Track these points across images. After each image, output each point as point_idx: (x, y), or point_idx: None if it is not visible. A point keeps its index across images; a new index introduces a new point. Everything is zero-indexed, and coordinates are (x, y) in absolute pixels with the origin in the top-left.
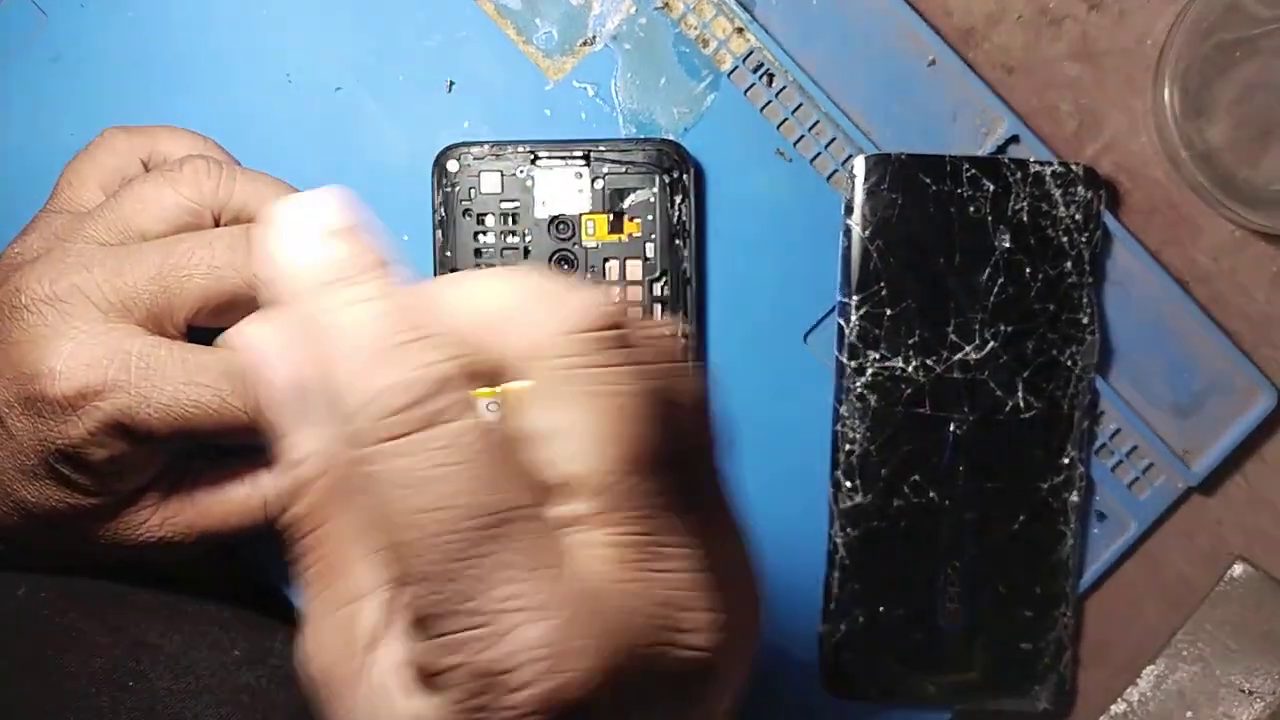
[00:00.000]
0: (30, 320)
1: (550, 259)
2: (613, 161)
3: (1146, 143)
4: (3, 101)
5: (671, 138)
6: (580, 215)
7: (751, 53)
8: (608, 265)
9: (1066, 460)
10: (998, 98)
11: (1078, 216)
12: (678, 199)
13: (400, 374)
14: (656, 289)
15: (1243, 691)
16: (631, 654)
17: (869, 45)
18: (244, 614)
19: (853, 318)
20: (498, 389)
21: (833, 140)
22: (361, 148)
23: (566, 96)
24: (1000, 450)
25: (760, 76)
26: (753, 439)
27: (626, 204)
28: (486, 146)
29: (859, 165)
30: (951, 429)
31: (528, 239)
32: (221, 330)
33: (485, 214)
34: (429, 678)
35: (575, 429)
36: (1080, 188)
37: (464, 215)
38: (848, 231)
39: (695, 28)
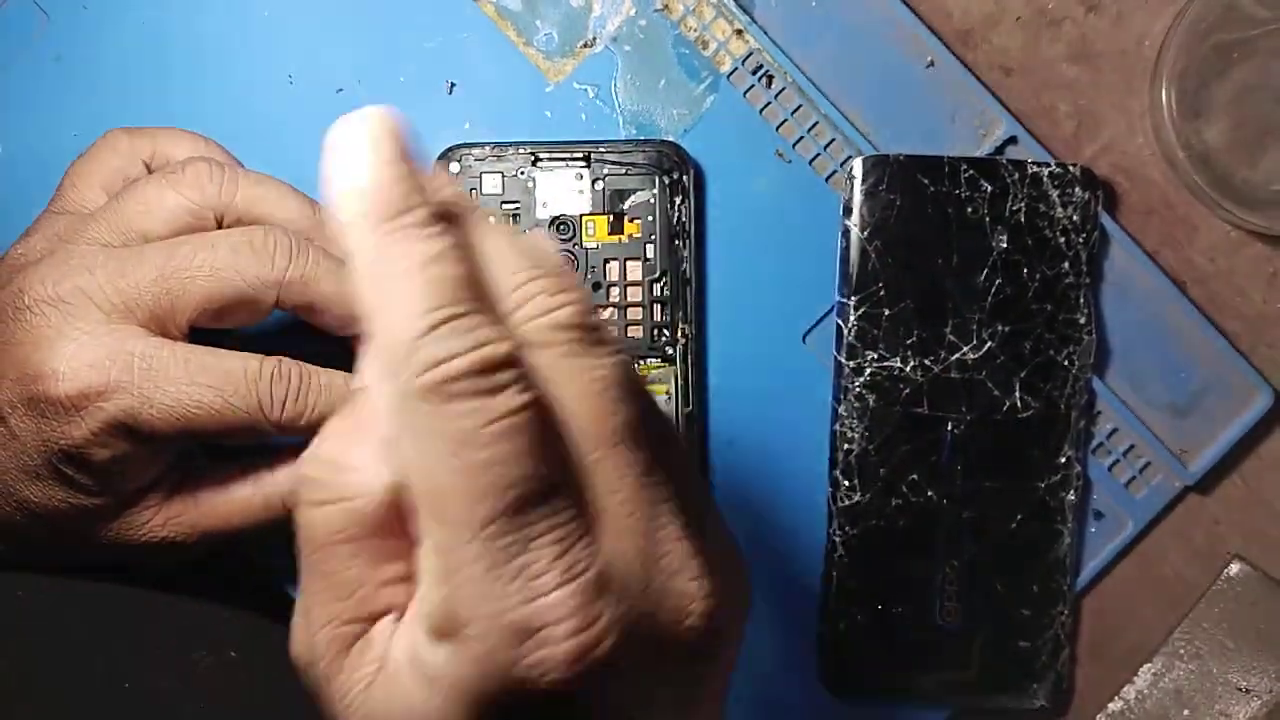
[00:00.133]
0: (33, 321)
1: None
2: (613, 163)
3: (1144, 144)
4: (5, 102)
5: (671, 139)
6: (581, 216)
7: (751, 54)
8: (608, 266)
9: (1064, 460)
10: (996, 99)
11: (1075, 217)
12: (677, 200)
13: (465, 344)
14: (656, 289)
15: (1240, 690)
16: (648, 619)
17: (868, 47)
18: (242, 614)
19: (851, 318)
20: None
21: (831, 141)
22: None
23: (567, 98)
24: (998, 450)
25: (759, 78)
26: (752, 439)
27: (627, 205)
28: (487, 148)
29: (858, 166)
30: (949, 429)
31: None
32: (224, 332)
33: (486, 215)
34: (454, 630)
35: (567, 405)
36: (1078, 188)
37: None
38: (846, 232)
39: (695, 29)
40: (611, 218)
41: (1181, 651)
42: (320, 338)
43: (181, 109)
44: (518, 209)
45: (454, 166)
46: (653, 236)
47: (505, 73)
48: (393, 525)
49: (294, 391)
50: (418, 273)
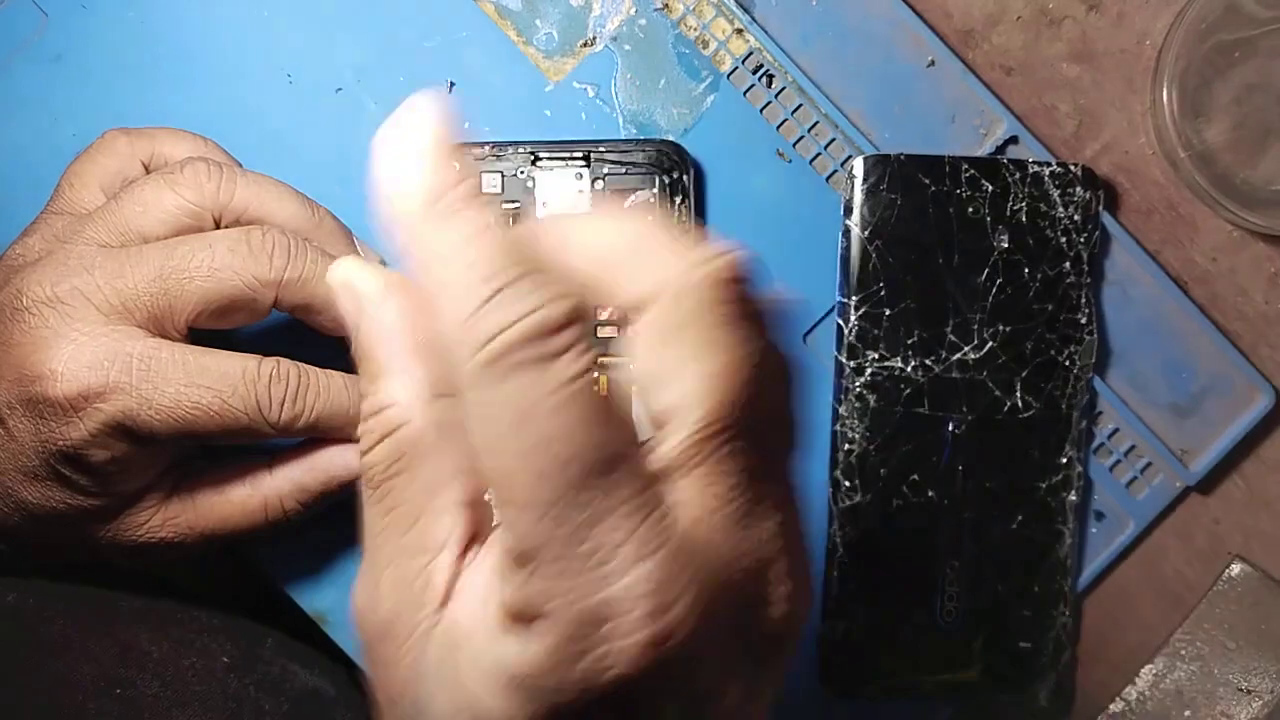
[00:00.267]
0: (32, 322)
1: None
2: (613, 162)
3: (1145, 143)
4: (4, 102)
5: (671, 138)
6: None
7: (751, 54)
8: None
9: (1065, 460)
10: (997, 98)
11: (1076, 217)
12: (678, 199)
13: (520, 309)
14: None
15: (1240, 690)
16: (728, 609)
17: (868, 46)
18: (234, 620)
19: (852, 318)
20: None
21: (832, 141)
22: (362, 148)
23: (567, 97)
24: (999, 450)
25: (760, 77)
26: None
27: (627, 204)
28: (487, 147)
29: (858, 166)
30: (950, 429)
31: None
32: (223, 332)
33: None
34: (526, 620)
35: (689, 371)
36: (1079, 188)
37: None
38: (847, 232)
39: (695, 29)
40: None
41: (1183, 652)
42: (318, 338)
43: (180, 108)
44: (517, 209)
45: (454, 166)
46: None
47: (505, 72)
48: (444, 444)
49: (292, 392)
50: (465, 247)
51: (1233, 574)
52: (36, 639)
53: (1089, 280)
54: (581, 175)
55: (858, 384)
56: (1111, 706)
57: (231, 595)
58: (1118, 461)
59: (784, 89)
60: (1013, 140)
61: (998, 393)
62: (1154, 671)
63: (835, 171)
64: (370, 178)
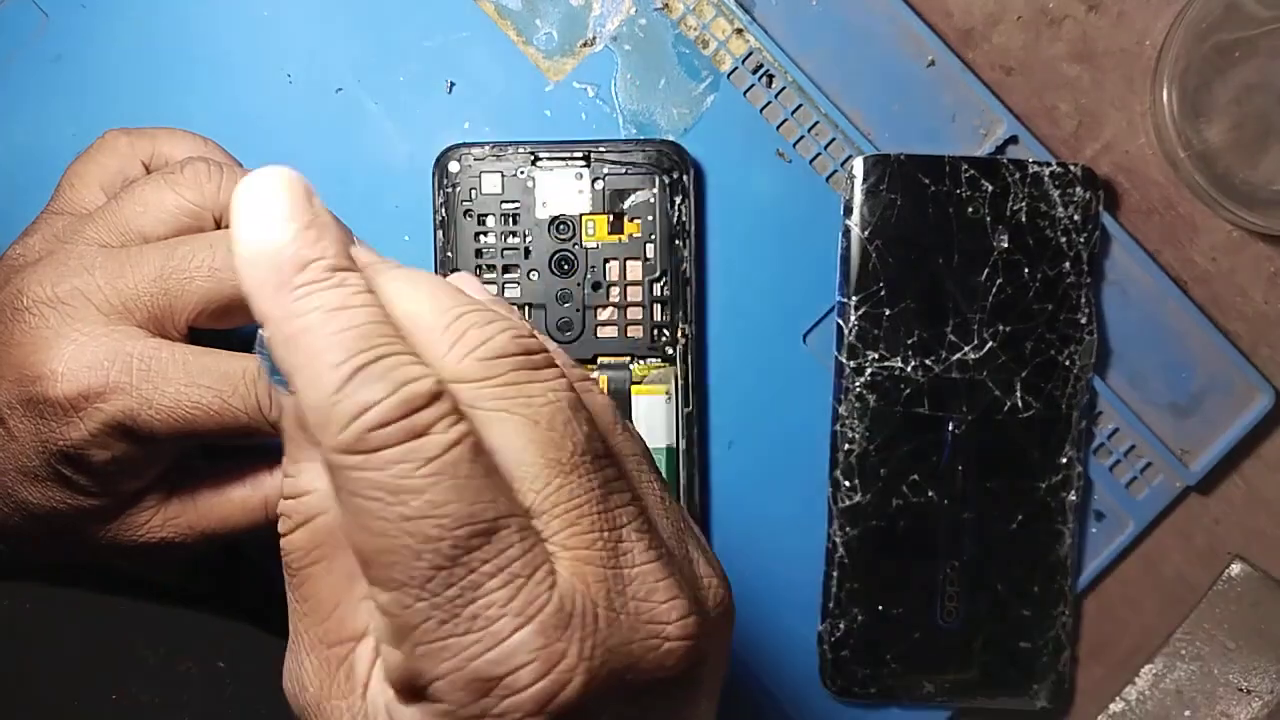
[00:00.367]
0: (32, 322)
1: (550, 259)
2: (613, 162)
3: (1145, 143)
4: (4, 101)
5: (671, 138)
6: (580, 216)
7: (751, 54)
8: (608, 266)
9: (1065, 460)
10: (997, 98)
11: (1076, 217)
12: (677, 199)
13: (384, 387)
14: (656, 289)
15: (1240, 690)
16: (619, 650)
17: (869, 46)
18: (231, 624)
19: (852, 318)
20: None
21: (832, 141)
22: (362, 148)
23: (567, 97)
24: (999, 450)
25: (760, 77)
26: (752, 439)
27: (627, 204)
28: (487, 147)
29: (858, 166)
30: (950, 429)
31: (528, 239)
32: (223, 333)
33: (486, 215)
34: (417, 690)
35: (507, 442)
36: (1079, 188)
37: (465, 216)
38: (847, 232)
39: (695, 29)
40: (611, 217)
41: (1182, 652)
42: None
43: (180, 108)
44: (517, 209)
45: (454, 166)
46: (653, 236)
47: (505, 72)
48: None
49: None
50: (324, 325)
51: (1232, 574)
52: (30, 645)
53: (1089, 280)
54: (581, 175)
55: (858, 384)
56: (1111, 706)
57: (225, 601)
58: (1118, 461)
59: (784, 89)
60: (1013, 140)
61: (998, 393)
62: (1154, 671)
63: (835, 171)
64: (230, 240)
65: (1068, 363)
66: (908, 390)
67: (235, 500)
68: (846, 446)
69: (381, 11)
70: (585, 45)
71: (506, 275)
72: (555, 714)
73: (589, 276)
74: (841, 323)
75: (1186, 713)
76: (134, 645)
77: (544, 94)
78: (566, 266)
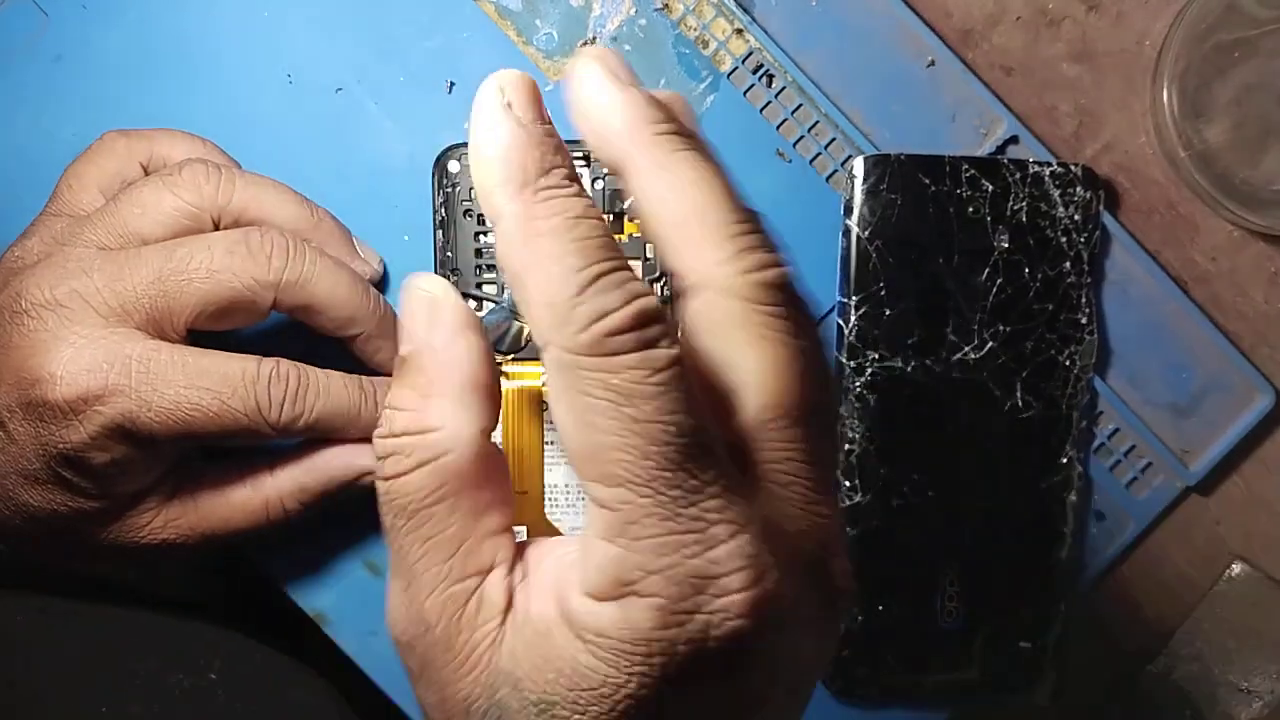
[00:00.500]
0: (30, 325)
1: None
2: None
3: (1145, 143)
4: (4, 102)
5: None
6: None
7: (751, 54)
8: None
9: (1065, 460)
10: (997, 98)
11: (1076, 217)
12: None
13: (621, 296)
14: (657, 289)
15: (1241, 690)
16: (807, 572)
17: (869, 46)
18: (222, 634)
19: (852, 318)
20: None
21: (832, 141)
22: (362, 148)
23: None
24: (999, 450)
25: (760, 77)
26: None
27: (627, 204)
28: None
29: (858, 166)
30: (951, 429)
31: None
32: (222, 334)
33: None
34: (622, 589)
35: (747, 358)
36: (1079, 188)
37: (465, 215)
38: (847, 232)
39: (695, 29)
40: (611, 217)
41: (1183, 652)
42: (318, 339)
43: (180, 108)
44: None
45: (454, 165)
46: None
47: None
48: (484, 476)
49: (292, 393)
50: (566, 231)
51: (1233, 574)
52: (21, 658)
53: (1089, 280)
54: (581, 175)
55: (858, 384)
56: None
57: (222, 605)
58: (1118, 462)
59: (784, 89)
60: (1013, 140)
61: (998, 393)
62: (1154, 672)
63: (835, 171)
64: (470, 139)
65: (1068, 363)
66: (908, 390)
67: (236, 502)
68: (847, 446)
69: (381, 11)
70: (585, 45)
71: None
72: (760, 619)
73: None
74: (842, 323)
75: (1187, 712)
76: (125, 657)
77: (544, 94)
78: None
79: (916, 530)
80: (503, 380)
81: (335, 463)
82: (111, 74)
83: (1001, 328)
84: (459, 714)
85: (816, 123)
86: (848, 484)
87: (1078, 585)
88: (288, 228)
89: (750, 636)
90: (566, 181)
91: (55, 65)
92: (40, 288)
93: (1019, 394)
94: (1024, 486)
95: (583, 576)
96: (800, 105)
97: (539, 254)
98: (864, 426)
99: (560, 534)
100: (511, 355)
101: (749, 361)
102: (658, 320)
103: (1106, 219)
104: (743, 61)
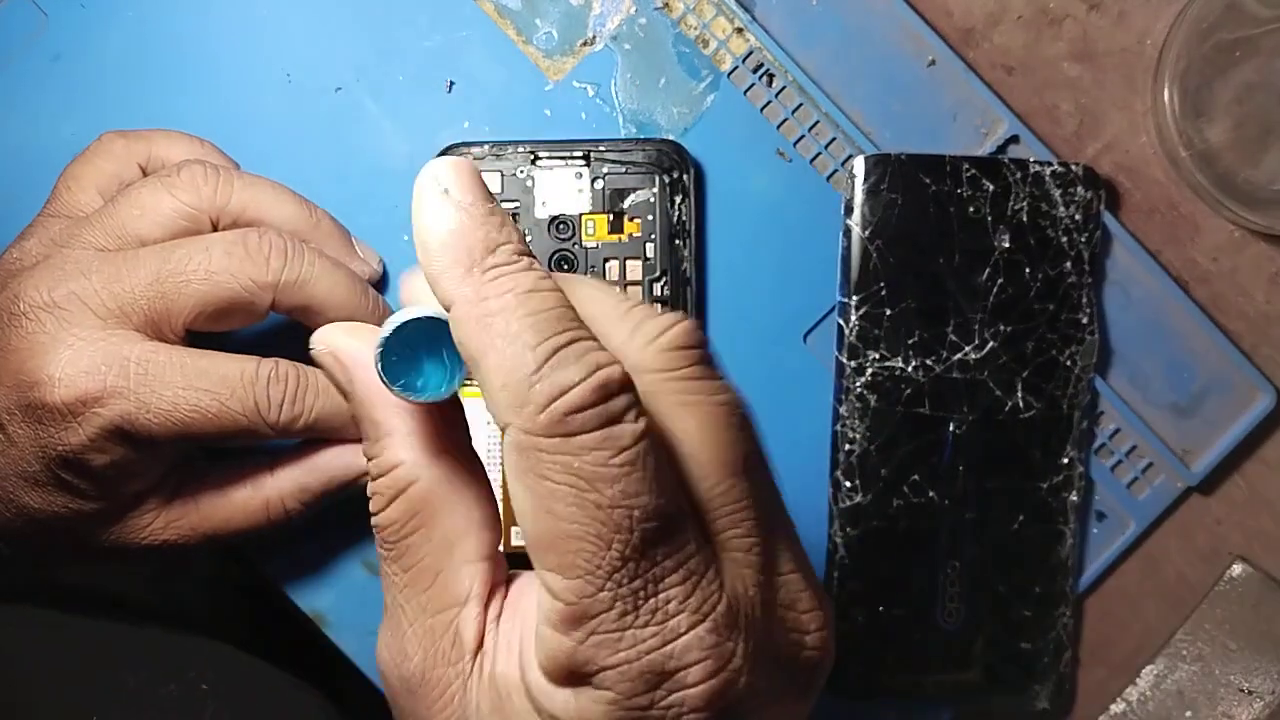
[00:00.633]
0: (29, 328)
1: (550, 259)
2: (613, 161)
3: (1146, 143)
4: (3, 101)
5: (671, 138)
6: (580, 215)
7: (751, 53)
8: (608, 265)
9: (1066, 460)
10: (997, 98)
11: (1077, 216)
12: (678, 199)
13: (581, 370)
14: (656, 289)
15: (1242, 691)
16: (771, 653)
17: (869, 45)
18: (212, 645)
19: (852, 318)
20: None
21: (832, 140)
22: (361, 148)
23: (566, 97)
24: (1000, 450)
25: (760, 76)
26: None
27: (626, 204)
28: (486, 147)
29: (859, 165)
30: (951, 429)
31: (528, 239)
32: (220, 335)
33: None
34: (580, 676)
35: (686, 436)
36: (1080, 188)
37: None
38: (847, 231)
39: (695, 28)
40: (611, 217)
41: (1184, 653)
42: None
43: (180, 107)
44: (517, 208)
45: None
46: (653, 236)
47: (505, 71)
48: (455, 498)
49: (291, 393)
50: (518, 308)
51: (1234, 574)
52: (12, 669)
53: (1090, 280)
54: (581, 175)
55: (858, 384)
56: (1113, 707)
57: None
58: (1119, 462)
59: (784, 88)
60: (1014, 140)
61: (999, 393)
62: (1155, 672)
63: (836, 171)
64: (414, 227)
65: (1069, 363)
66: (909, 390)
67: (236, 502)
68: (847, 447)
69: (381, 11)
70: (585, 44)
71: None
72: (720, 709)
73: (589, 276)
74: (842, 323)
75: (1188, 713)
76: (115, 668)
77: (544, 93)
78: (566, 266)
79: (917, 531)
80: None
81: (335, 463)
82: (110, 73)
83: (1002, 328)
84: None
85: (817, 122)
86: (848, 484)
87: (1078, 585)
88: (286, 228)
89: None
90: (515, 256)
91: (54, 65)
92: (38, 290)
93: (1020, 394)
94: (1024, 486)
95: (537, 655)
96: (801, 105)
97: (492, 334)
98: (864, 427)
99: None
100: None
101: (680, 431)
102: (622, 390)
103: (1107, 219)
104: (743, 61)
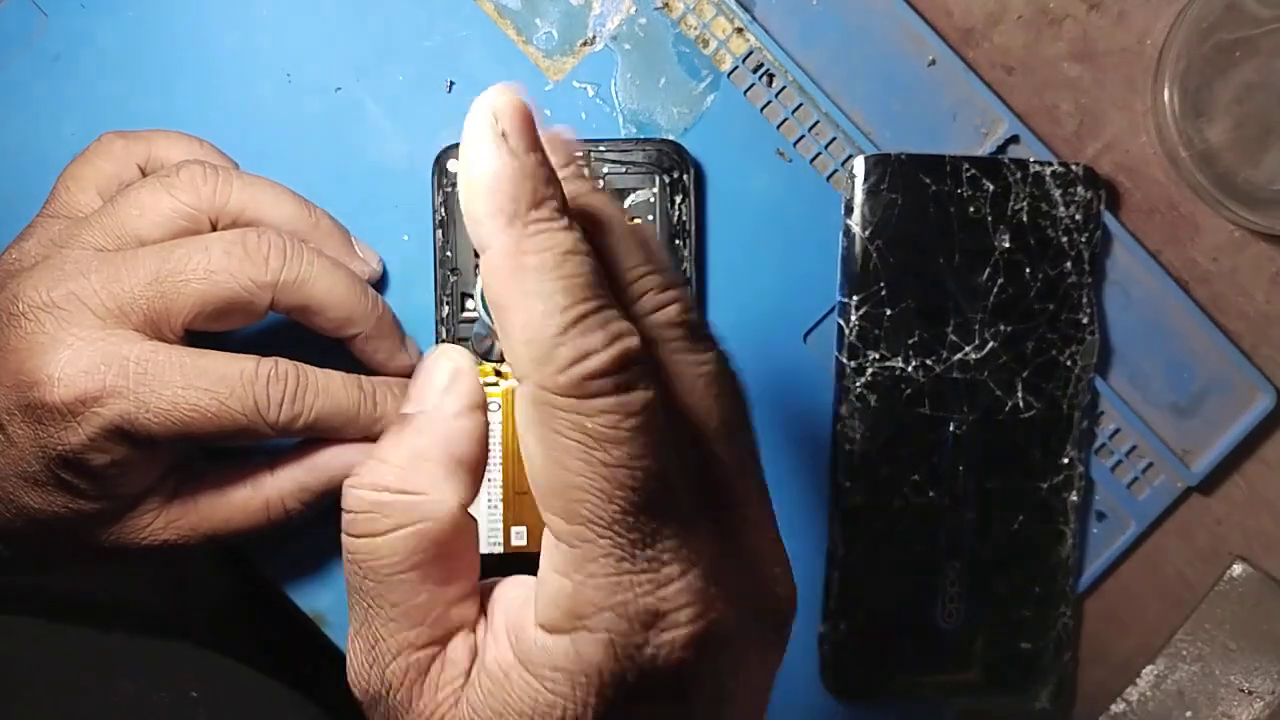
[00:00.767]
0: (28, 328)
1: None
2: (613, 162)
3: (1146, 143)
4: (3, 101)
5: (671, 138)
6: None
7: (751, 53)
8: None
9: (1066, 460)
10: (997, 98)
11: (1077, 216)
12: (678, 199)
13: (603, 338)
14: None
15: (1242, 691)
16: (749, 602)
17: (869, 45)
18: (204, 654)
19: (852, 318)
20: None
21: (833, 140)
22: (361, 148)
23: (567, 97)
24: (1000, 450)
25: (760, 76)
26: None
27: (627, 204)
28: None
29: (859, 165)
30: (951, 429)
31: None
32: (219, 335)
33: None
34: (574, 622)
35: (683, 399)
36: (1080, 188)
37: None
38: (847, 231)
39: (695, 28)
40: None
41: (1184, 653)
42: (317, 338)
43: (180, 108)
44: None
45: (454, 165)
46: None
47: (505, 71)
48: (459, 548)
49: (291, 393)
50: (552, 269)
51: (1234, 574)
52: (5, 678)
53: (1090, 280)
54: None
55: (858, 384)
56: (1113, 707)
57: (232, 594)
58: (1119, 462)
59: (784, 88)
60: (1014, 139)
61: (999, 393)
62: (1155, 672)
63: (836, 171)
64: (460, 163)
65: (1069, 363)
66: (909, 390)
67: (236, 502)
68: (847, 447)
69: (381, 11)
70: (585, 44)
71: None
72: (704, 649)
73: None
74: (842, 323)
75: (1188, 713)
76: (107, 676)
77: (544, 93)
78: None
79: (917, 531)
80: (501, 381)
81: (335, 462)
82: (110, 73)
83: (1002, 327)
84: None
85: (817, 122)
86: (848, 484)
87: (1078, 585)
88: (285, 228)
89: (695, 663)
90: (557, 214)
91: (54, 64)
92: (37, 290)
93: (1020, 394)
94: (1025, 486)
95: (537, 609)
96: (800, 104)
97: (524, 289)
98: (864, 427)
99: None
100: (503, 362)
101: (673, 396)
102: (638, 362)
103: (1107, 218)
104: (743, 61)
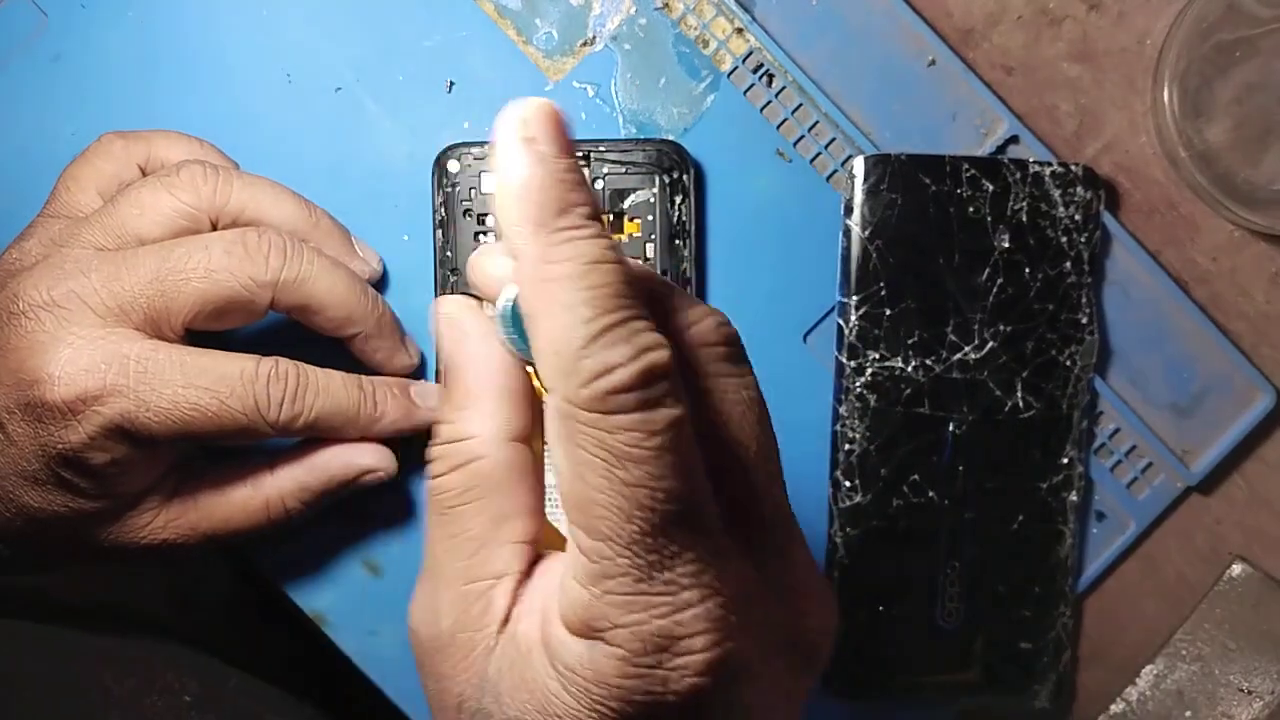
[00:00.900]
0: (28, 327)
1: None
2: (613, 162)
3: (1146, 143)
4: (4, 102)
5: (671, 138)
6: None
7: (751, 53)
8: None
9: (1065, 460)
10: (997, 98)
11: (1077, 217)
12: (678, 199)
13: (629, 351)
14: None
15: (1241, 691)
16: (776, 632)
17: (869, 45)
18: (198, 658)
19: (852, 318)
20: None
21: (832, 140)
22: (362, 148)
23: (566, 97)
24: (999, 450)
25: (760, 77)
26: None
27: (627, 204)
28: (487, 146)
29: (858, 165)
30: (951, 429)
31: None
32: (220, 334)
33: (486, 214)
34: (593, 631)
35: (724, 418)
36: (1079, 188)
37: (464, 215)
38: (847, 231)
39: (695, 28)
40: (611, 217)
41: (1183, 652)
42: (317, 338)
43: (180, 107)
44: None
45: (453, 165)
46: (653, 236)
47: (505, 71)
48: (513, 483)
49: (291, 392)
50: (579, 278)
51: (1233, 574)
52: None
53: (1090, 280)
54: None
55: (858, 384)
56: (1112, 707)
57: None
58: (1119, 461)
59: (784, 88)
60: (1013, 140)
61: (998, 393)
62: (1155, 672)
63: (835, 171)
64: (494, 167)
65: (1069, 363)
66: (908, 390)
67: (236, 501)
68: (847, 446)
69: (381, 11)
70: (585, 45)
71: None
72: (718, 678)
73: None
74: (842, 323)
75: (1188, 713)
76: (102, 678)
77: (544, 93)
78: None
79: (917, 530)
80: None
81: (335, 462)
82: (110, 74)
83: (1002, 328)
84: (451, 707)
85: (816, 122)
86: (848, 484)
87: (1078, 585)
88: (285, 227)
89: (710, 691)
90: (585, 221)
91: (54, 65)
92: (38, 289)
93: (1019, 394)
94: (1024, 486)
95: (561, 607)
96: (800, 105)
97: (551, 299)
98: (864, 427)
99: (558, 533)
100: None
101: (713, 413)
102: (664, 377)
103: (1107, 219)
104: (743, 61)
